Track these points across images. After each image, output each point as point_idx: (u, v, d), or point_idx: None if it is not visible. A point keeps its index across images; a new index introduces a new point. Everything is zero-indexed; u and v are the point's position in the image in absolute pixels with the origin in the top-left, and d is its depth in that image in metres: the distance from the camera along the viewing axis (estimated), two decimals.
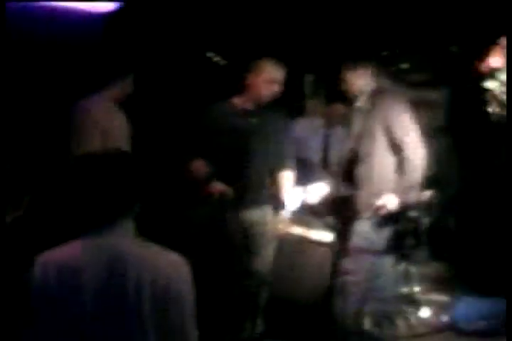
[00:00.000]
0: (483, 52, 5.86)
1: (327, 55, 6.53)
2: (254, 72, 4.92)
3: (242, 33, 5.98)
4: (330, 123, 6.29)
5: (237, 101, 5.02)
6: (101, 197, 2.34)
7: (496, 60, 5.71)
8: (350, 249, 4.98)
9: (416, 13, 6.29)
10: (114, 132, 4.64)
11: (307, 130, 6.44)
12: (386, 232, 5.11)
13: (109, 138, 4.59)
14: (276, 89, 4.92)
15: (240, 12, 6.05)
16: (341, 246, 5.12)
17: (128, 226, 2.40)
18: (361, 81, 5.03)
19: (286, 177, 5.14)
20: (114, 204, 2.36)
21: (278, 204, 5.08)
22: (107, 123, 4.62)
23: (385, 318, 5.28)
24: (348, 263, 4.98)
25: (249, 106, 4.97)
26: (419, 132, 4.86)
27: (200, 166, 4.86)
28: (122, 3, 5.30)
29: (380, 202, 4.82)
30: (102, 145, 4.48)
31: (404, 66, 7.02)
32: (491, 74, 5.74)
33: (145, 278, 2.29)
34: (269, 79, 4.89)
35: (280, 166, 5.11)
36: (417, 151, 4.82)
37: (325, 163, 6.16)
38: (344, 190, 5.20)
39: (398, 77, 6.96)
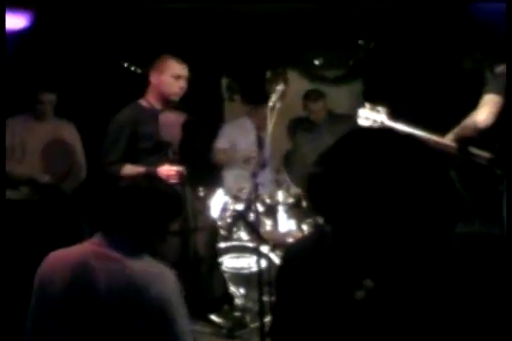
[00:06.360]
0: None
1: (243, 58, 6.60)
2: (158, 69, 4.75)
3: (157, 42, 5.97)
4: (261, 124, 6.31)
5: (145, 102, 4.78)
6: (115, 216, 2.69)
7: None
8: None
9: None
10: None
11: (239, 132, 6.40)
12: None
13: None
14: (183, 84, 4.74)
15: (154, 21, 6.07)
16: None
17: (122, 242, 2.67)
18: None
19: None
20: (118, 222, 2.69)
21: None
22: None
23: None
24: None
25: (157, 106, 4.75)
26: None
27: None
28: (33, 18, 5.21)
29: None
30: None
31: (318, 62, 7.08)
32: None
33: (114, 292, 2.55)
34: (174, 74, 4.71)
35: None
36: None
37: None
38: None
39: (312, 74, 7.11)
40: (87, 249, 2.69)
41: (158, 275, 2.63)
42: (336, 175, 1.59)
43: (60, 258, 2.71)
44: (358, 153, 1.60)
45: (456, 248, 1.64)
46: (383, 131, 1.76)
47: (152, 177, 4.39)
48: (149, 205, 2.70)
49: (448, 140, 4.04)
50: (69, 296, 2.60)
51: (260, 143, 4.83)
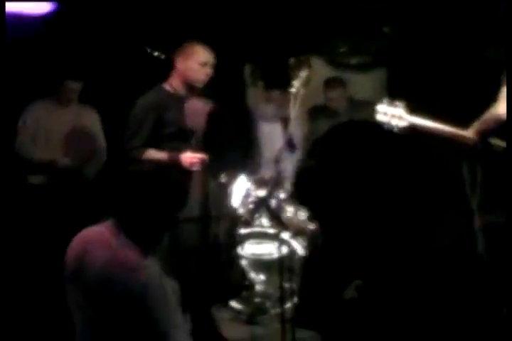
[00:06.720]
0: None
1: (267, 45, 6.59)
2: (185, 55, 4.76)
3: (180, 28, 5.98)
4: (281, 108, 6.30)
5: (168, 86, 4.79)
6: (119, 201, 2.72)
7: None
8: None
9: None
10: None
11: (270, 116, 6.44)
12: None
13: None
14: (208, 71, 4.76)
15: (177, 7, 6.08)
16: None
17: (127, 229, 2.69)
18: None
19: None
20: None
21: None
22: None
23: None
24: None
25: (181, 91, 4.78)
26: None
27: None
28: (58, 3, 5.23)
29: None
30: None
31: (342, 49, 7.06)
32: None
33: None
34: (201, 61, 4.73)
35: None
36: None
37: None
38: None
39: (336, 61, 7.10)
40: (96, 231, 2.76)
41: (143, 267, 2.63)
42: (323, 170, 1.60)
43: (78, 239, 2.77)
44: (345, 148, 1.60)
45: (441, 245, 1.64)
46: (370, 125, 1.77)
47: (165, 166, 4.40)
48: (152, 192, 2.70)
49: (468, 133, 4.04)
50: (73, 277, 2.69)
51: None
